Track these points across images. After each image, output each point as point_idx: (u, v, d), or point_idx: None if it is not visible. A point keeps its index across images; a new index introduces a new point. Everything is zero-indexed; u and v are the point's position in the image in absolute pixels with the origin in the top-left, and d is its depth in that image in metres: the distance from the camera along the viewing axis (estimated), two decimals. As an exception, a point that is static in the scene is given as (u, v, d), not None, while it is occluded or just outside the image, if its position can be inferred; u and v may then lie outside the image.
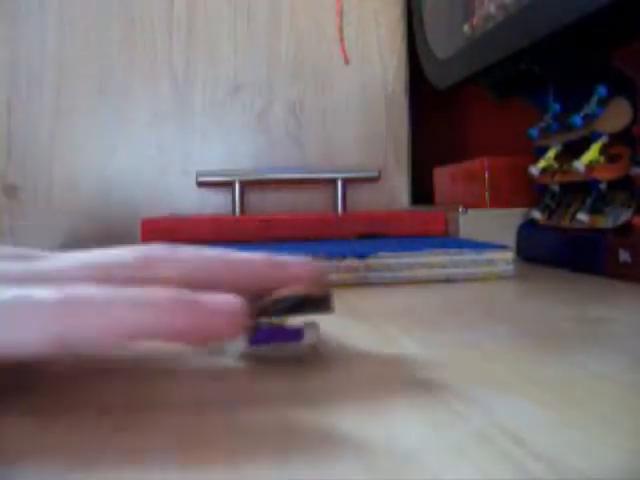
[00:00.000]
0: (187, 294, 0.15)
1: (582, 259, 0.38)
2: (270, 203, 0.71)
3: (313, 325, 0.19)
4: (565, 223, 0.41)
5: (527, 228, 0.46)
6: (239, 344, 0.19)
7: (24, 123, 0.68)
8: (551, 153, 0.42)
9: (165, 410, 0.15)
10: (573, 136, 0.40)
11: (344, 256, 0.36)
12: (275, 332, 0.18)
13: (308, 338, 0.19)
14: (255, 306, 0.18)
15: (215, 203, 0.70)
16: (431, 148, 0.76)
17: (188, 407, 0.16)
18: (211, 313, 0.15)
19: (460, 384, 0.17)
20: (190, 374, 0.19)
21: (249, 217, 0.61)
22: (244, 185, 0.68)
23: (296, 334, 0.18)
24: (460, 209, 0.50)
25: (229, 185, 0.68)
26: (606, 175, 0.38)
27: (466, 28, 0.50)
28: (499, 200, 0.50)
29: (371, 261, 0.36)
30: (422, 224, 0.54)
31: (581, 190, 0.40)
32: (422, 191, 0.71)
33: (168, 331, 0.15)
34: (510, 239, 0.46)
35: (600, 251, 0.36)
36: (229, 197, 0.68)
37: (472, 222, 0.50)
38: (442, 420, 0.14)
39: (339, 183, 0.69)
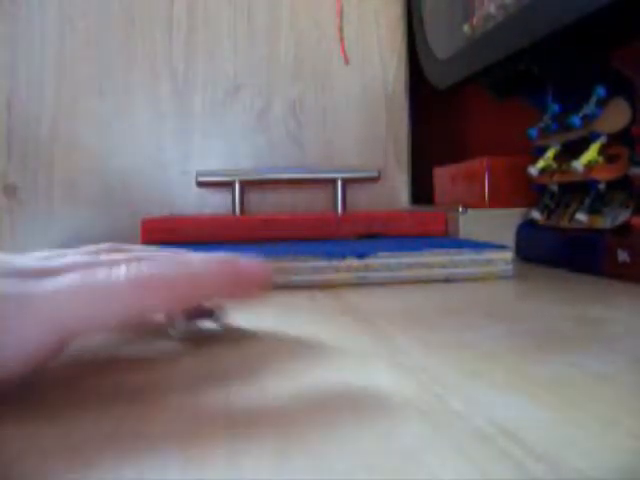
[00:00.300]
0: (228, 264, 0.19)
1: (581, 259, 0.38)
2: (270, 203, 0.71)
3: (224, 311, 0.24)
4: (564, 223, 0.41)
5: (526, 228, 0.46)
6: (180, 326, 0.23)
7: (24, 123, 0.68)
8: (550, 153, 0.42)
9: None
10: (572, 136, 0.40)
11: (344, 256, 0.36)
12: (200, 312, 0.24)
13: (220, 318, 0.24)
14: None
15: (215, 203, 0.70)
16: (431, 148, 0.76)
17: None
18: (249, 275, 0.20)
19: (459, 383, 0.17)
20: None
21: (249, 217, 0.61)
22: (244, 185, 0.68)
23: (211, 313, 0.24)
24: (460, 209, 0.50)
25: (229, 185, 0.68)
26: (605, 175, 0.38)
27: (466, 28, 0.50)
28: (499, 200, 0.51)
29: (371, 261, 0.36)
30: (422, 224, 0.54)
31: (580, 190, 0.40)
32: (422, 191, 0.71)
33: (223, 293, 0.20)
34: (510, 239, 0.46)
35: (599, 251, 0.36)
36: (229, 197, 0.68)
37: (472, 222, 0.50)
38: (442, 420, 0.14)
39: (339, 183, 0.69)
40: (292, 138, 0.71)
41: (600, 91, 0.38)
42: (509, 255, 0.37)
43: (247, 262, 0.20)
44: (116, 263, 0.18)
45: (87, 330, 0.17)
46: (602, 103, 0.38)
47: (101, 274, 0.17)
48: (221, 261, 0.19)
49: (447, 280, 0.36)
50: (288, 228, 0.53)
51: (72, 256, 0.20)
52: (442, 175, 0.63)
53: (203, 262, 0.19)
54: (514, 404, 0.15)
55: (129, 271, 0.17)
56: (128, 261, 0.19)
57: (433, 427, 0.14)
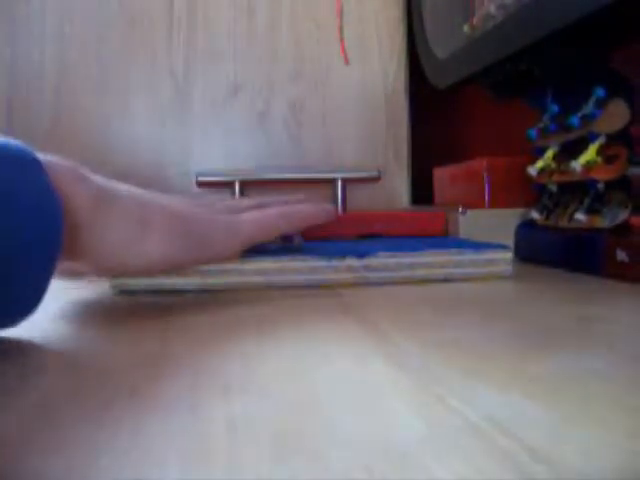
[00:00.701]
0: (312, 204, 0.38)
1: (580, 259, 0.38)
2: (270, 203, 0.71)
3: (300, 236, 0.39)
4: (563, 223, 0.41)
5: (525, 228, 0.46)
6: (298, 240, 0.39)
7: (24, 123, 0.68)
8: (549, 153, 0.42)
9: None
10: (571, 137, 0.40)
11: (344, 256, 0.36)
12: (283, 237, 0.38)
13: (297, 241, 0.39)
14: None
15: (215, 203, 0.70)
16: (431, 148, 0.76)
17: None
18: (328, 210, 0.38)
19: (459, 383, 0.17)
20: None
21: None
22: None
23: (291, 238, 0.38)
24: (460, 209, 0.50)
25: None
26: (603, 175, 0.38)
27: (466, 28, 0.50)
28: (498, 200, 0.51)
29: (371, 261, 0.36)
30: (422, 224, 0.54)
31: (579, 190, 0.40)
32: (422, 191, 0.71)
33: (310, 220, 0.37)
34: (509, 239, 0.46)
35: (598, 251, 0.36)
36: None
37: (471, 222, 0.50)
38: (441, 419, 0.14)
39: (339, 183, 0.69)
40: (292, 138, 0.71)
41: (599, 92, 0.38)
42: (509, 255, 0.37)
43: (326, 205, 0.39)
44: (269, 206, 0.36)
45: (257, 242, 0.34)
46: (601, 104, 0.38)
47: (265, 212, 0.34)
48: (319, 206, 0.38)
49: (447, 280, 0.36)
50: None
51: (246, 201, 0.39)
52: (442, 175, 0.63)
53: (311, 206, 0.37)
54: (514, 403, 0.15)
55: (280, 211, 0.34)
56: (280, 204, 0.37)
57: (432, 427, 0.14)
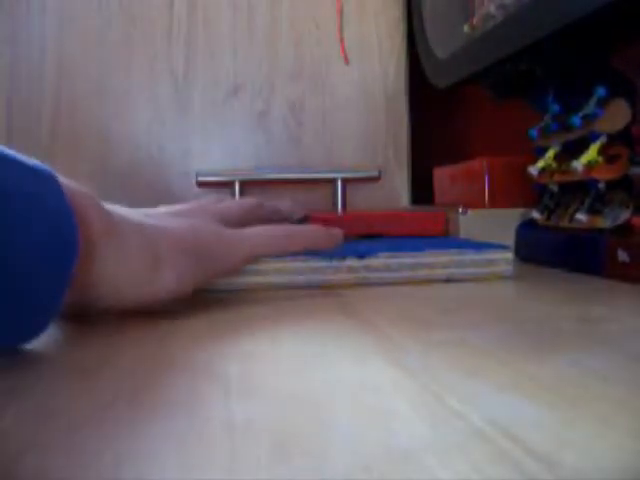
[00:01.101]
0: (320, 227, 0.37)
1: (581, 259, 0.38)
2: (270, 203, 0.71)
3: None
4: (564, 223, 0.41)
5: (526, 228, 0.46)
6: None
7: (24, 123, 0.68)
8: (550, 153, 0.42)
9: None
10: (572, 136, 0.40)
11: (344, 256, 0.36)
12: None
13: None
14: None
15: (215, 203, 0.70)
16: (431, 148, 0.76)
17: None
18: (335, 235, 0.36)
19: (459, 383, 0.17)
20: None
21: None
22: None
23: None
24: (460, 209, 0.50)
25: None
26: (605, 175, 0.38)
27: (466, 28, 0.50)
28: (498, 200, 0.51)
29: (371, 261, 0.36)
30: (422, 224, 0.54)
31: (580, 190, 0.40)
32: (422, 191, 0.71)
33: (314, 244, 0.35)
34: (509, 239, 0.46)
35: (599, 251, 0.36)
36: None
37: (471, 222, 0.50)
38: (441, 419, 0.14)
39: (339, 183, 0.69)
40: (292, 138, 0.71)
41: (600, 91, 0.38)
42: (510, 255, 0.37)
43: (336, 230, 0.37)
44: (272, 221, 0.40)
45: (261, 258, 0.34)
46: (602, 103, 0.38)
47: (272, 229, 0.34)
48: (326, 230, 0.36)
49: (447, 280, 0.36)
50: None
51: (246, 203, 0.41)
52: (442, 175, 0.63)
53: (318, 229, 0.36)
54: (514, 404, 0.15)
55: (286, 229, 0.35)
56: (280, 222, 0.40)
57: (433, 427, 0.14)
